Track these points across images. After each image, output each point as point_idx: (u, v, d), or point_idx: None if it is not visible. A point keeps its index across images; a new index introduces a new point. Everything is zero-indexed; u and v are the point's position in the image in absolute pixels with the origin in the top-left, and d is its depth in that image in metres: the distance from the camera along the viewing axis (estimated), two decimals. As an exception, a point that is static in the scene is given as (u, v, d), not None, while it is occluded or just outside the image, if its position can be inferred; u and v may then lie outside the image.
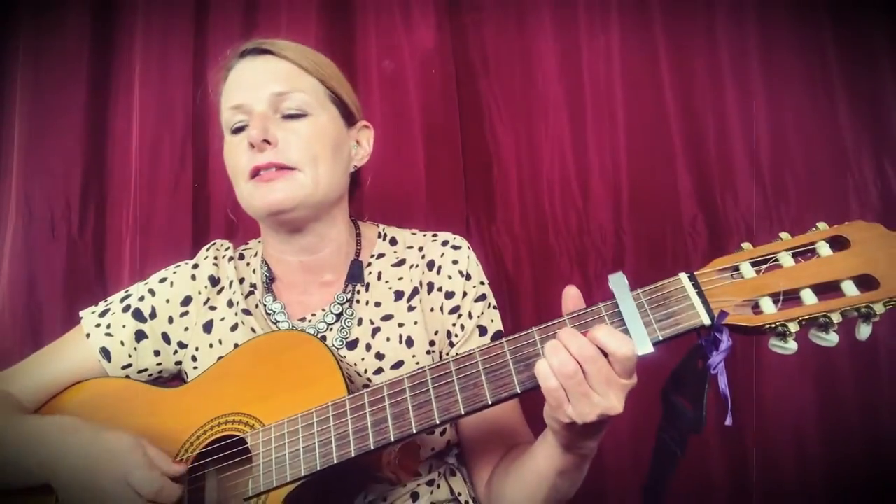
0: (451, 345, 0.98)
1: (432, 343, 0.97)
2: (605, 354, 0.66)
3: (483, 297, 1.00)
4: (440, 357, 0.98)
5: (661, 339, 0.68)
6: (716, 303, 0.68)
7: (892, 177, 1.43)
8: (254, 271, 1.04)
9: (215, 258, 1.03)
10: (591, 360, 0.66)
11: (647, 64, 1.51)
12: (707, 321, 0.67)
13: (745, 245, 0.71)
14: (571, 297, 0.74)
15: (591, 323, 0.70)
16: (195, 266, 1.02)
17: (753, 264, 0.69)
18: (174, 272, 1.02)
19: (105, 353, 0.96)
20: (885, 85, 1.45)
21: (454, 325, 0.98)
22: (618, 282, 0.71)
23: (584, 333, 0.68)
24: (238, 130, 0.94)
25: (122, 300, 1.00)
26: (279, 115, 0.93)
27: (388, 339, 0.96)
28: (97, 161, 1.52)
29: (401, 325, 0.97)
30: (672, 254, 1.47)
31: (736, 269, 0.70)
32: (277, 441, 0.79)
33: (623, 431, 1.39)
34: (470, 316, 0.98)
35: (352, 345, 0.95)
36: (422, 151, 1.49)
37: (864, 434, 1.37)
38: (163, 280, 1.02)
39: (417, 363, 0.95)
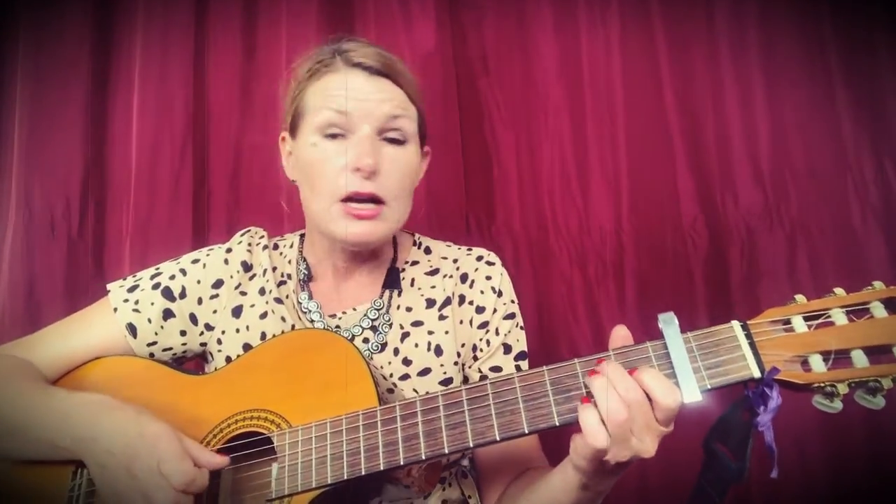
0: (475, 358, 0.99)
1: (459, 355, 0.98)
2: (649, 398, 0.65)
3: (512, 316, 1.00)
4: (462, 369, 0.99)
5: (709, 387, 0.67)
6: (766, 356, 0.67)
7: (892, 177, 1.43)
8: (289, 262, 1.03)
9: (249, 245, 1.02)
10: (636, 406, 0.65)
11: (647, 63, 1.51)
12: (757, 374, 0.66)
13: (799, 297, 0.70)
14: (620, 337, 0.72)
15: (637, 362, 0.69)
16: (228, 250, 1.02)
17: (806, 318, 0.68)
18: (207, 254, 1.01)
19: (132, 328, 0.95)
20: (885, 84, 1.45)
21: (481, 339, 0.99)
22: (668, 322, 0.69)
23: (629, 372, 0.66)
24: (333, 137, 0.91)
25: (153, 277, 0.99)
26: (380, 137, 0.92)
27: (416, 346, 0.96)
28: (97, 161, 1.51)
29: (430, 332, 0.97)
30: (672, 254, 1.47)
31: (787, 321, 0.68)
32: (305, 445, 0.78)
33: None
34: (497, 332, 0.99)
35: (381, 348, 0.96)
36: (422, 151, 1.49)
37: (864, 434, 1.37)
38: (195, 261, 1.00)
39: (445, 373, 0.95)
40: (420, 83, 1.01)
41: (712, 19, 1.51)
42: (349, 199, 0.89)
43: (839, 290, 0.68)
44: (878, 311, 0.66)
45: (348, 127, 0.90)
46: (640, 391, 0.65)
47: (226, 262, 1.00)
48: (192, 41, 1.52)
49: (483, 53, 1.55)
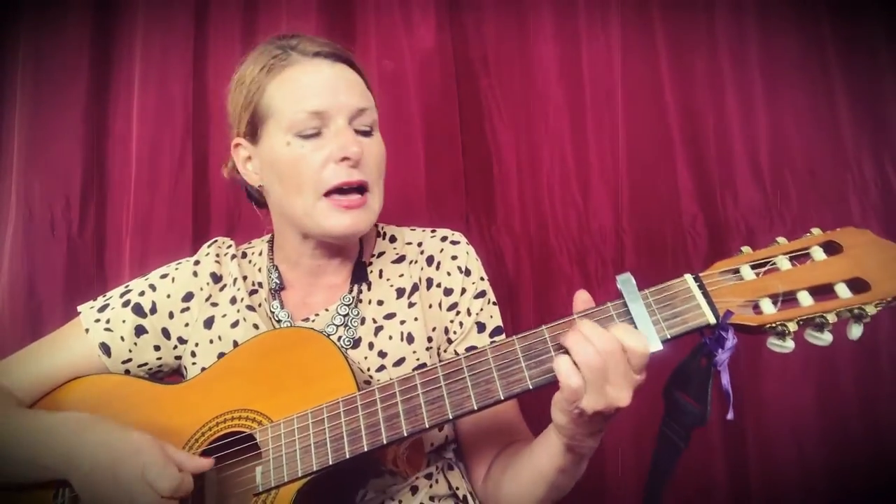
0: (449, 341, 0.98)
1: (430, 339, 0.97)
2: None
3: (483, 294, 1.00)
4: (438, 353, 0.98)
5: (668, 337, 0.70)
6: (720, 303, 0.71)
7: (893, 177, 1.43)
8: (259, 270, 1.04)
9: (217, 255, 1.02)
10: (612, 355, 0.67)
11: (647, 64, 1.51)
12: (712, 320, 0.70)
13: (745, 249, 0.74)
14: (582, 300, 0.75)
15: (602, 322, 0.71)
16: (196, 262, 1.02)
17: (753, 267, 0.72)
18: (175, 268, 1.02)
19: (105, 348, 0.96)
20: (885, 84, 1.45)
21: (452, 321, 0.98)
22: (626, 282, 0.73)
23: None
24: (312, 136, 0.90)
25: (122, 295, 1.00)
26: (352, 128, 0.92)
27: (390, 338, 0.96)
28: (97, 161, 1.52)
29: (402, 322, 0.97)
30: (672, 254, 1.47)
31: (736, 271, 0.72)
32: (287, 437, 0.79)
33: (625, 430, 1.40)
34: (469, 313, 0.98)
35: (355, 343, 0.96)
36: (422, 151, 1.49)
37: (864, 433, 1.37)
38: (164, 276, 1.01)
39: (418, 359, 0.95)
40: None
41: (712, 19, 1.51)
42: (334, 191, 0.89)
43: (781, 239, 0.73)
44: (818, 254, 0.71)
45: (324, 122, 0.90)
46: (616, 341, 0.68)
47: (195, 274, 1.01)
48: (192, 41, 1.52)
49: (483, 53, 1.55)
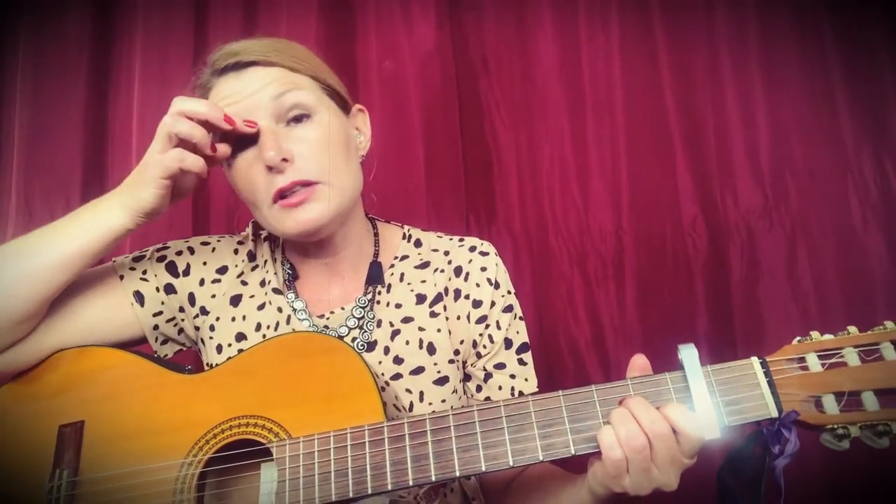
0: (479, 356, 0.96)
1: (457, 352, 0.95)
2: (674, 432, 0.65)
3: (510, 308, 0.98)
4: (464, 366, 0.97)
5: (726, 424, 0.67)
6: (783, 395, 0.67)
7: (893, 177, 1.43)
8: (274, 262, 1.02)
9: (255, 235, 1.02)
10: (661, 438, 0.65)
11: (647, 64, 1.51)
12: (775, 414, 0.67)
13: (814, 334, 0.70)
14: (638, 366, 0.72)
15: (658, 393, 0.69)
16: (240, 242, 1.01)
17: (820, 357, 0.69)
18: (218, 240, 1.01)
19: (139, 296, 0.93)
20: (885, 84, 1.45)
21: (481, 335, 0.96)
22: (689, 355, 0.69)
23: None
24: (246, 149, 0.87)
25: (159, 250, 0.98)
26: (282, 123, 0.87)
27: (407, 343, 0.93)
28: (97, 160, 1.52)
29: (421, 329, 0.94)
30: (672, 254, 1.47)
31: (802, 359, 0.69)
32: (306, 459, 0.73)
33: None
34: (498, 327, 0.96)
35: (370, 346, 0.93)
36: (422, 151, 1.49)
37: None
38: (205, 244, 1.00)
39: (439, 372, 0.92)
40: (315, 56, 0.95)
41: (712, 19, 1.51)
42: (280, 197, 0.85)
43: (853, 329, 0.69)
44: (889, 352, 0.67)
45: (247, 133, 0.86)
46: (666, 424, 0.65)
47: (235, 251, 1.00)
48: (192, 41, 1.52)
49: (483, 53, 1.55)
